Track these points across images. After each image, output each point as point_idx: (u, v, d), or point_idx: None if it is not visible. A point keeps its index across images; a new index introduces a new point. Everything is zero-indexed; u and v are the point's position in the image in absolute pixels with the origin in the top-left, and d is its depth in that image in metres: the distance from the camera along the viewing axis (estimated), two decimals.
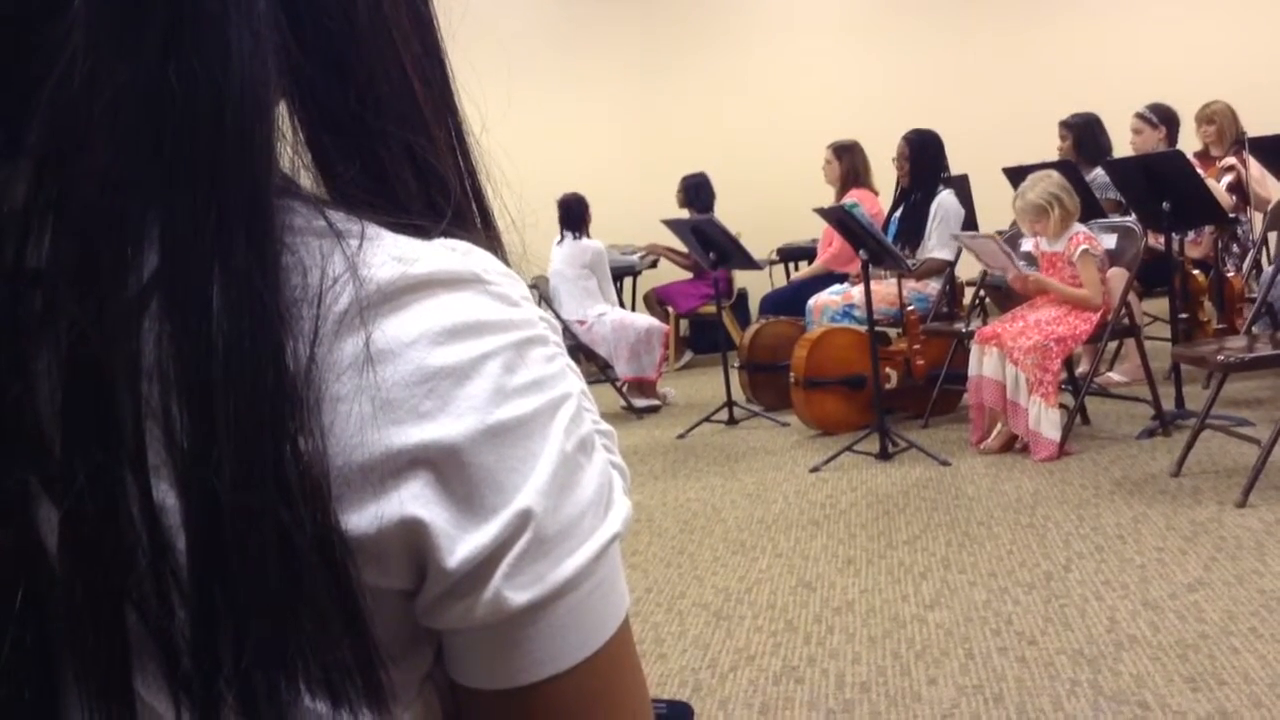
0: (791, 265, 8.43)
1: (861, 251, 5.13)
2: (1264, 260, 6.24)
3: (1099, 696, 2.63)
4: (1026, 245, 5.12)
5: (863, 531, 4.07)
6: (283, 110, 0.51)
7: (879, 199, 6.71)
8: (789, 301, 6.72)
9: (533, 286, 0.53)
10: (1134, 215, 5.31)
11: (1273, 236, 6.27)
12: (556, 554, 0.49)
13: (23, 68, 0.47)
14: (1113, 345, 5.70)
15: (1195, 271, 5.74)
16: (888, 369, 5.55)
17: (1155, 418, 4.93)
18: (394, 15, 0.54)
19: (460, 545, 0.47)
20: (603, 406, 0.57)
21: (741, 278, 8.13)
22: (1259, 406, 5.11)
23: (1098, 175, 6.04)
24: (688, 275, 8.13)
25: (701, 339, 8.42)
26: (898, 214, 6.20)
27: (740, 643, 3.19)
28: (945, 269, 5.95)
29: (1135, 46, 8.61)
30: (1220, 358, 4.11)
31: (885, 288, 5.75)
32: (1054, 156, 6.42)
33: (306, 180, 0.53)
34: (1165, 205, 5.00)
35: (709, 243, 6.15)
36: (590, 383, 0.60)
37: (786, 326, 6.32)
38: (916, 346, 5.57)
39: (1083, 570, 3.45)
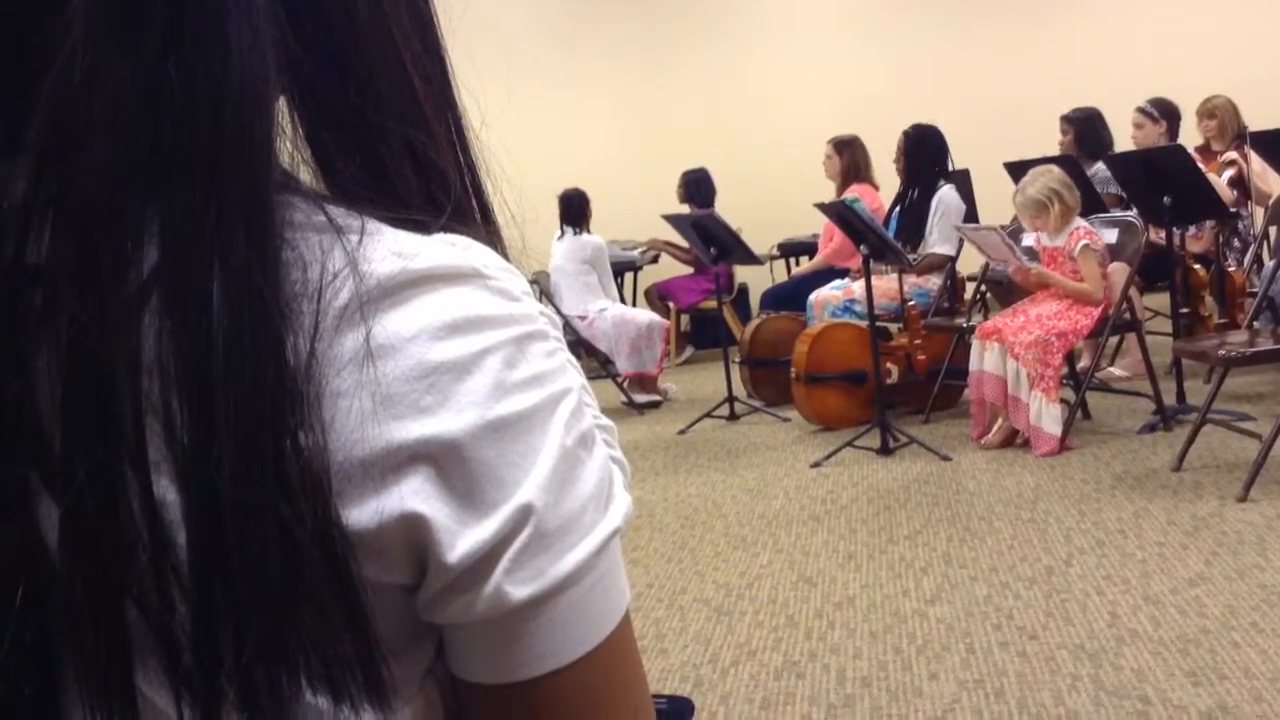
0: (792, 260, 8.43)
1: (862, 246, 5.13)
2: (1265, 255, 6.22)
3: (1100, 691, 2.63)
4: (1028, 240, 5.12)
5: (864, 527, 4.07)
6: (282, 106, 0.51)
7: (880, 194, 6.71)
8: (790, 297, 6.72)
9: (533, 282, 0.53)
10: (1135, 210, 5.31)
11: (1274, 231, 6.25)
12: (557, 549, 0.49)
13: (22, 64, 0.47)
14: (1114, 340, 5.69)
15: (1196, 266, 5.73)
16: (889, 364, 5.55)
17: (1156, 412, 4.93)
18: (394, 12, 0.54)
19: (461, 540, 0.47)
20: (604, 402, 0.57)
21: (742, 273, 8.13)
22: (1260, 401, 5.11)
23: (1099, 170, 6.04)
24: (688, 270, 8.13)
25: (702, 334, 8.42)
26: (899, 209, 6.19)
27: (741, 638, 3.19)
28: (946, 264, 5.95)
29: (1136, 41, 8.60)
30: (1221, 352, 4.11)
31: (886, 283, 5.75)
32: (1055, 151, 6.41)
33: (306, 176, 0.53)
34: (1166, 200, 4.99)
35: (710, 238, 6.15)
36: (591, 378, 0.60)
37: (787, 322, 6.31)
38: (917, 341, 5.57)
39: (1084, 565, 3.45)
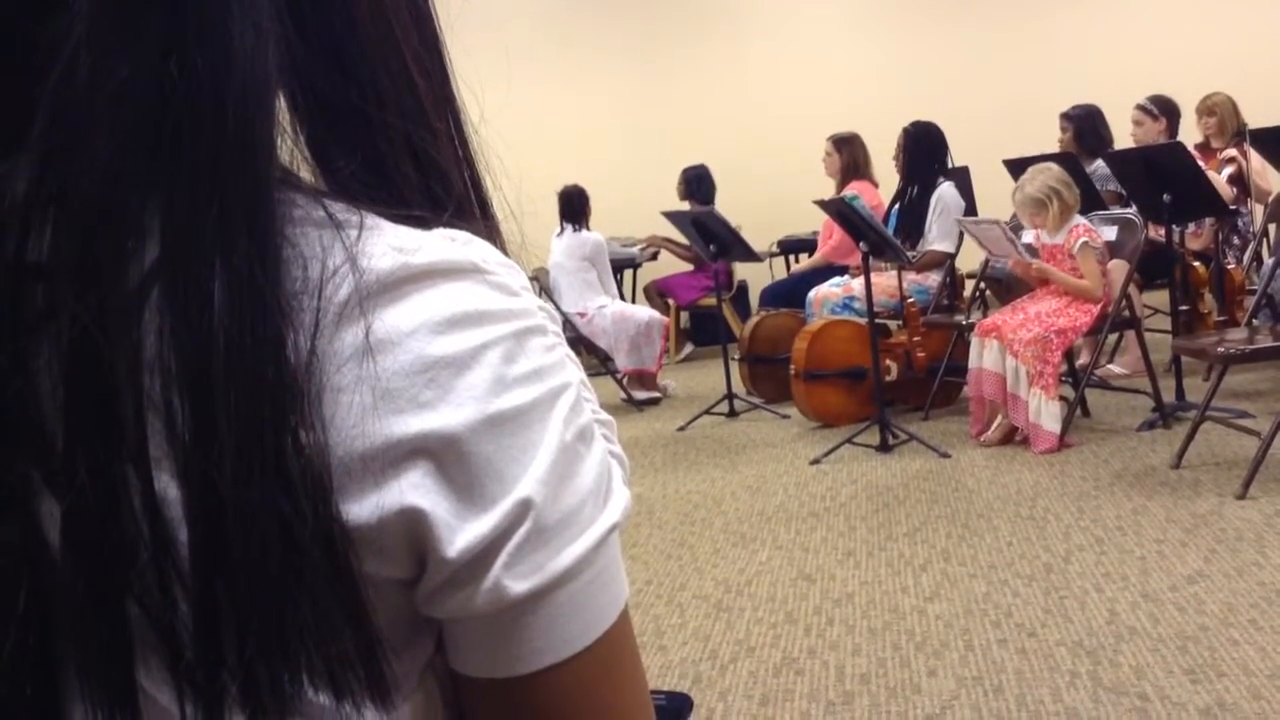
0: (792, 257, 8.43)
1: (862, 244, 5.13)
2: (1264, 252, 6.22)
3: (1098, 688, 2.63)
4: (1027, 237, 5.12)
5: (863, 524, 4.07)
6: (282, 103, 0.51)
7: (879, 191, 6.71)
8: (789, 294, 6.72)
9: (532, 279, 0.53)
10: (1134, 207, 5.31)
11: (1273, 228, 6.25)
12: (556, 543, 0.49)
13: (23, 63, 0.47)
14: (1113, 337, 5.70)
15: (1196, 263, 5.73)
16: (888, 361, 5.55)
17: (1155, 410, 4.93)
18: (394, 8, 0.54)
19: (460, 534, 0.47)
20: (603, 399, 0.57)
21: (742, 270, 8.12)
22: (1259, 398, 5.11)
23: (1098, 167, 6.04)
24: (688, 267, 8.13)
25: (702, 331, 8.42)
26: (898, 206, 6.19)
27: (740, 635, 3.19)
28: (946, 261, 5.94)
29: (1136, 38, 8.60)
30: (1220, 350, 4.11)
31: (885, 280, 5.75)
32: (1055, 148, 6.41)
33: (306, 172, 0.53)
34: (1166, 197, 4.99)
35: (709, 235, 6.15)
36: (590, 375, 0.60)
37: (787, 319, 6.31)
38: (917, 339, 5.57)
39: (1083, 562, 3.45)
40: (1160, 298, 5.94)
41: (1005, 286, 6.01)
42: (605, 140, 9.02)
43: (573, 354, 0.54)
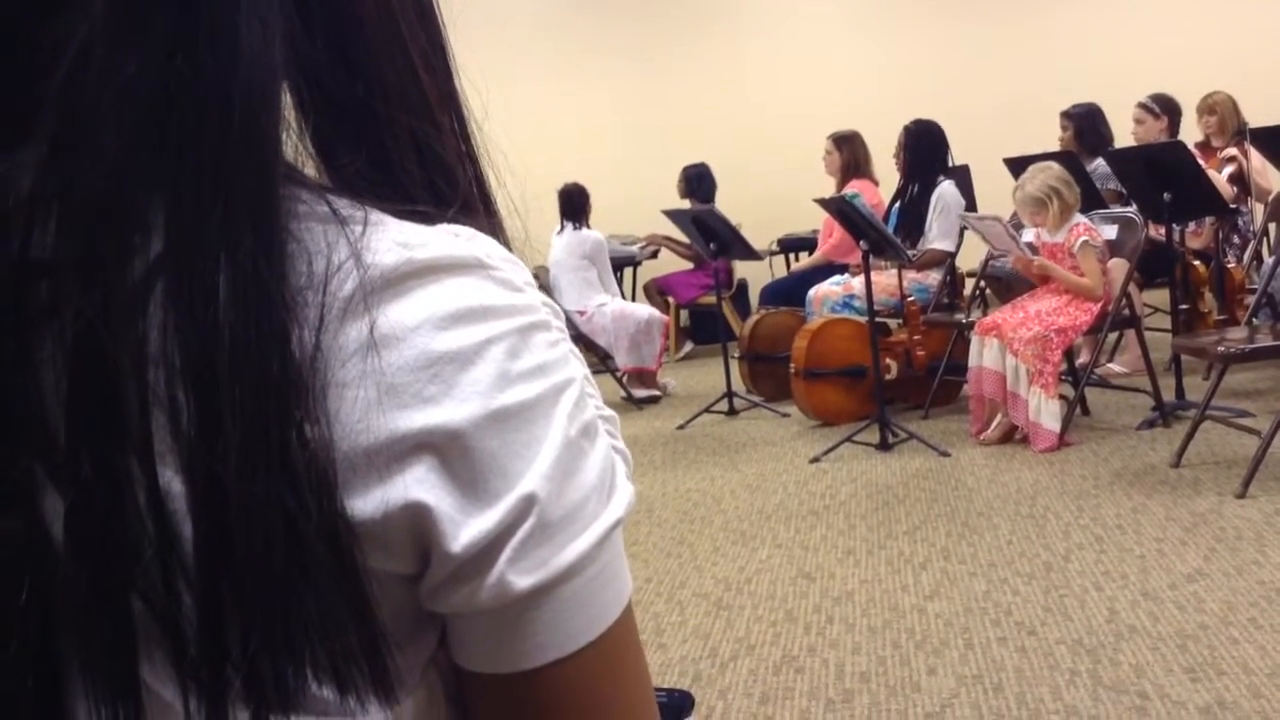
0: (792, 256, 8.43)
1: (862, 242, 5.13)
2: (1265, 251, 6.23)
3: (1098, 686, 2.63)
4: (1028, 236, 5.12)
5: (862, 522, 4.07)
6: (287, 98, 0.51)
7: (879, 189, 6.71)
8: (789, 292, 6.72)
9: (533, 276, 0.53)
10: (1135, 206, 5.31)
11: (1273, 227, 6.26)
12: (560, 539, 0.49)
13: (29, 58, 0.47)
14: (1113, 336, 5.70)
15: (1196, 262, 5.74)
16: (888, 360, 5.55)
17: (1155, 409, 4.94)
18: (400, 5, 0.54)
19: (464, 530, 0.47)
20: (602, 397, 0.57)
21: (742, 268, 8.12)
22: (1259, 397, 5.12)
23: (1099, 166, 6.04)
24: (688, 266, 8.13)
25: (702, 329, 8.42)
26: (899, 204, 6.19)
27: (740, 632, 3.19)
28: (946, 260, 5.94)
29: (1137, 37, 8.59)
30: (1220, 349, 4.11)
31: (886, 278, 5.75)
32: (1055, 147, 6.41)
33: (310, 168, 0.53)
34: (1166, 196, 5.00)
35: (710, 233, 6.15)
36: (590, 373, 0.60)
37: (787, 317, 6.31)
38: (917, 337, 5.57)
39: (1082, 561, 3.45)
40: (1160, 296, 5.94)
41: (1005, 285, 6.01)
42: (606, 138, 9.02)
43: (576, 350, 0.54)
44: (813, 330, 5.70)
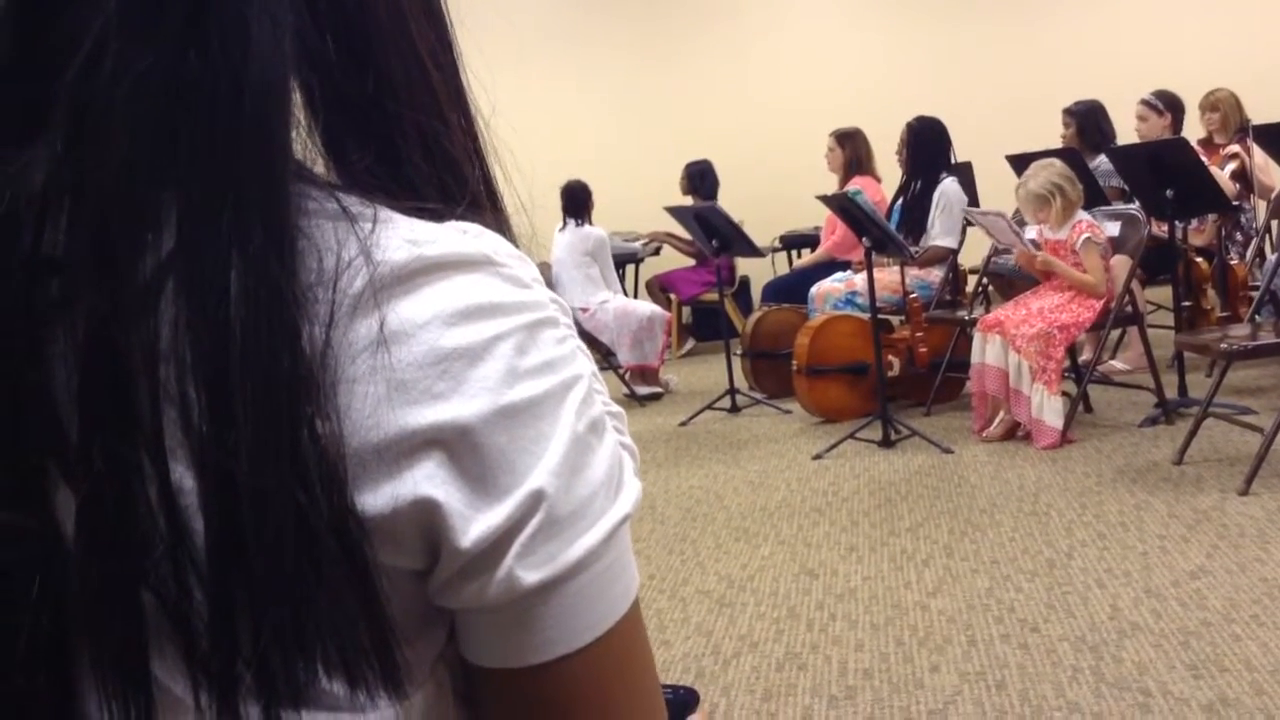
0: (794, 253, 8.42)
1: (864, 239, 5.12)
2: (1267, 248, 6.22)
3: (1101, 683, 2.64)
4: (1030, 233, 5.12)
5: (865, 519, 4.07)
6: (297, 95, 0.51)
7: (882, 186, 6.70)
8: (792, 289, 6.71)
9: None
10: (1137, 203, 5.30)
11: (1276, 224, 6.25)
12: (568, 534, 0.49)
13: (43, 54, 0.47)
14: (1115, 333, 5.69)
15: (1198, 259, 5.73)
16: (890, 357, 5.54)
17: (1158, 406, 4.93)
18: (409, 3, 0.55)
19: (473, 525, 0.48)
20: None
21: (744, 265, 8.12)
22: (1262, 395, 5.11)
23: (1101, 163, 6.03)
24: (690, 262, 8.12)
25: (704, 326, 8.42)
26: (901, 201, 6.18)
27: (743, 630, 3.19)
28: (948, 256, 5.94)
29: (1139, 33, 8.59)
30: (1223, 346, 4.11)
31: (888, 275, 5.75)
32: (1057, 144, 6.40)
33: (320, 164, 0.53)
34: (1169, 193, 4.99)
35: (712, 230, 6.14)
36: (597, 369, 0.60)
37: (789, 314, 6.31)
38: (919, 334, 5.57)
39: (1085, 558, 3.45)
40: (1163, 293, 5.94)
41: (1008, 282, 6.01)
42: (608, 135, 9.02)
43: (584, 346, 0.54)
44: (815, 327, 5.69)
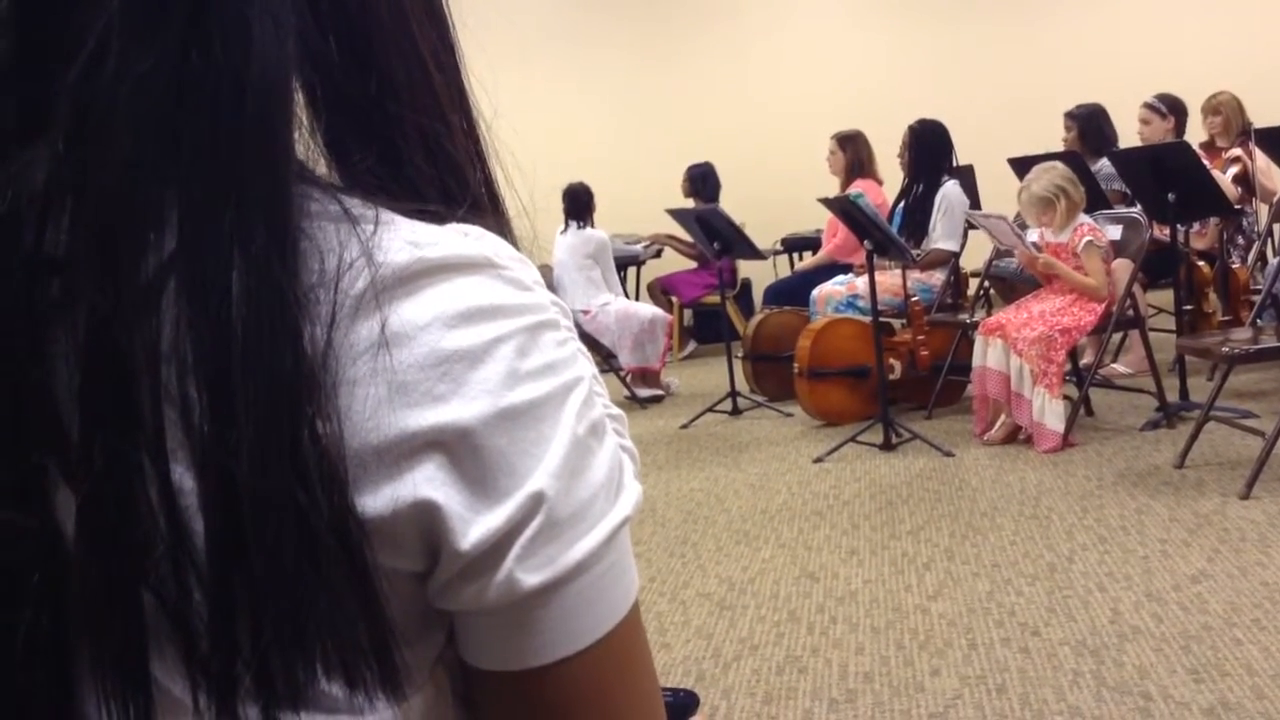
0: (796, 255, 8.42)
1: (866, 242, 5.12)
2: (1269, 252, 6.23)
3: (1102, 687, 2.63)
4: (1031, 236, 5.12)
5: (866, 522, 4.07)
6: (300, 96, 0.51)
7: (883, 189, 6.70)
8: (793, 292, 6.71)
9: None
10: (1139, 206, 5.30)
11: (1278, 228, 6.25)
12: (568, 537, 0.49)
13: (46, 54, 0.47)
14: (1117, 337, 5.69)
15: (1200, 263, 5.73)
16: (892, 360, 5.54)
17: (1159, 409, 4.93)
18: (411, 4, 0.55)
19: (473, 527, 0.48)
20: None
21: (746, 268, 8.12)
22: (1263, 398, 5.11)
23: (1103, 166, 6.03)
24: (692, 265, 8.12)
25: (705, 329, 8.42)
26: (903, 204, 6.18)
27: (743, 632, 3.19)
28: (950, 260, 5.94)
29: (1141, 37, 8.58)
30: (1225, 349, 4.11)
31: (890, 278, 5.75)
32: (1059, 147, 6.40)
33: (322, 165, 0.53)
34: (1170, 196, 4.99)
35: (713, 232, 6.15)
36: (598, 372, 0.60)
37: (790, 317, 6.31)
38: (921, 337, 5.56)
39: (1086, 561, 3.45)
40: (1164, 297, 5.93)
41: (1009, 285, 6.01)
42: (610, 137, 9.02)
43: (584, 349, 0.54)
44: (816, 330, 5.69)
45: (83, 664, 0.46)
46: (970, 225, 5.89)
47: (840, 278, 6.24)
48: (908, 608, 3.24)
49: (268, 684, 0.45)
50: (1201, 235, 6.11)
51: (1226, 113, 6.39)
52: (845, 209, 5.26)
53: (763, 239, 6.97)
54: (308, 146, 0.52)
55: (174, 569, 0.44)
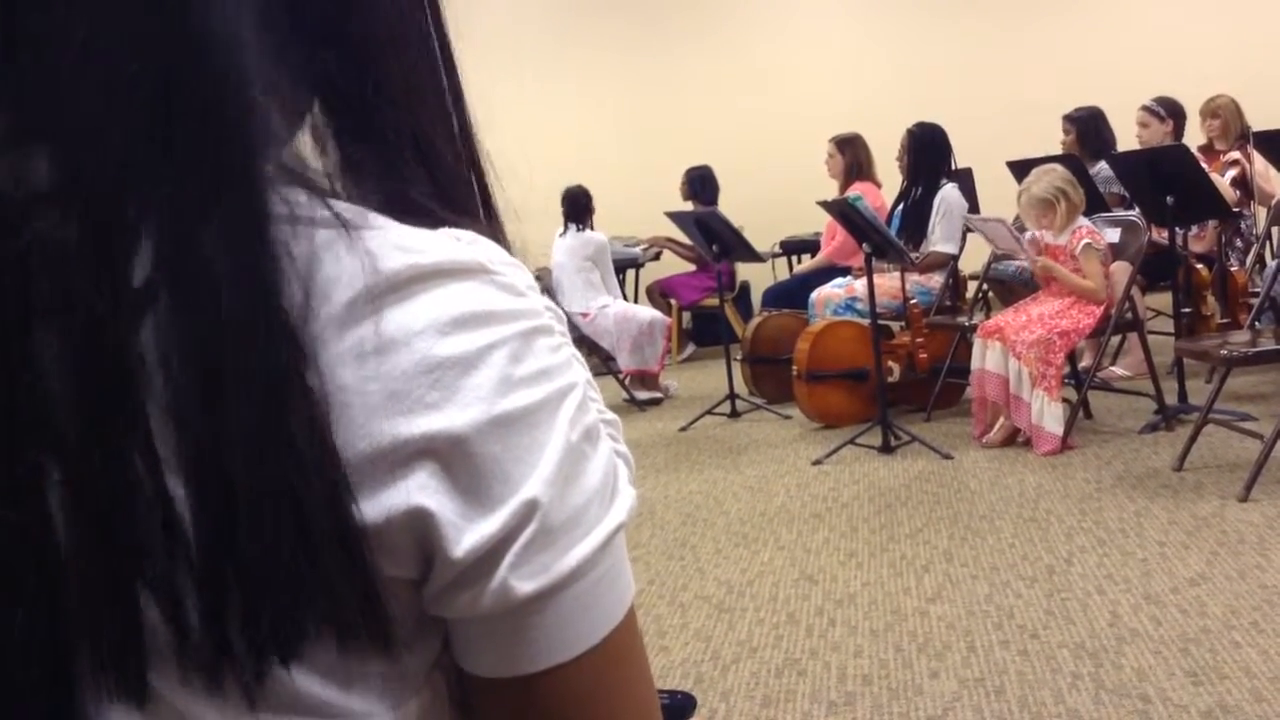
0: (794, 258, 8.42)
1: (865, 245, 5.12)
2: (1267, 255, 6.23)
3: (1100, 690, 2.63)
4: (1029, 239, 5.12)
5: (865, 525, 4.07)
6: (295, 98, 0.51)
7: (882, 192, 6.70)
8: (792, 294, 6.71)
9: (535, 279, 0.53)
10: (1137, 209, 5.30)
11: (1276, 231, 6.25)
12: (563, 543, 0.49)
13: (29, 55, 0.47)
14: (1115, 339, 5.69)
15: (1199, 266, 5.73)
16: (890, 362, 5.54)
17: (1158, 412, 4.93)
18: (409, 7, 0.55)
19: (467, 535, 0.47)
20: (605, 399, 0.57)
21: (744, 270, 8.12)
22: (1262, 401, 5.11)
23: (1101, 169, 6.04)
24: (690, 268, 8.12)
25: (704, 332, 8.41)
26: (901, 207, 6.19)
27: (742, 635, 3.19)
28: (948, 262, 5.94)
29: (1139, 40, 8.59)
30: (1223, 352, 4.11)
31: (888, 281, 5.75)
32: (1058, 150, 6.41)
33: (313, 170, 0.53)
34: (1169, 199, 4.99)
35: (712, 235, 6.15)
36: (592, 375, 0.60)
37: (789, 319, 6.31)
38: (919, 340, 5.57)
39: (1085, 564, 3.45)
40: (1163, 300, 5.94)
41: (1008, 288, 6.01)
42: (608, 140, 9.02)
43: (579, 354, 0.54)
44: (815, 332, 5.69)
45: (83, 663, 0.46)
46: (969, 228, 5.89)
47: (839, 280, 6.24)
48: (906, 610, 3.24)
49: (261, 681, 0.45)
50: (1200, 238, 6.11)
51: (1225, 116, 6.40)
52: (844, 212, 5.26)
53: (761, 242, 6.97)
54: (301, 150, 0.52)
55: (168, 566, 0.44)
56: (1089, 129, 6.42)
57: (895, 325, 5.89)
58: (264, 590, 0.45)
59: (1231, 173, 6.01)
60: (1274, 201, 5.55)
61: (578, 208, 6.81)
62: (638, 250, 8.43)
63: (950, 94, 8.33)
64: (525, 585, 0.48)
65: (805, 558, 3.79)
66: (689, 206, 7.17)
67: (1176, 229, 5.19)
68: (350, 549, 0.46)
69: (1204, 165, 5.47)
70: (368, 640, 0.47)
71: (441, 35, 0.57)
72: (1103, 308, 4.86)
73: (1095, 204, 5.51)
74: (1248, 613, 2.97)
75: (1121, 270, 4.97)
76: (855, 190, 6.23)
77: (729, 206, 6.86)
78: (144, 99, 0.45)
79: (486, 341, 0.48)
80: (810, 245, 8.06)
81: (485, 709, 0.53)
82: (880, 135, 6.73)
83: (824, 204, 5.60)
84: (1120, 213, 5.41)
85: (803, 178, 7.54)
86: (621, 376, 6.75)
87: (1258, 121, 6.19)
